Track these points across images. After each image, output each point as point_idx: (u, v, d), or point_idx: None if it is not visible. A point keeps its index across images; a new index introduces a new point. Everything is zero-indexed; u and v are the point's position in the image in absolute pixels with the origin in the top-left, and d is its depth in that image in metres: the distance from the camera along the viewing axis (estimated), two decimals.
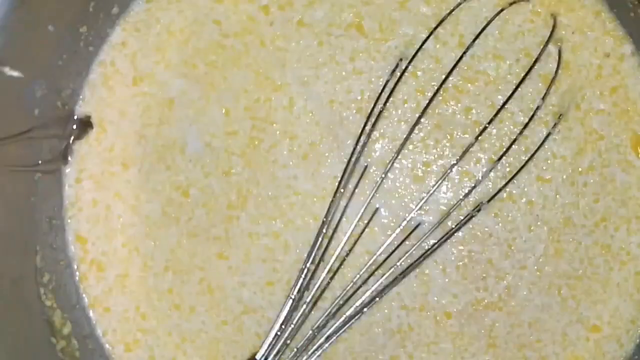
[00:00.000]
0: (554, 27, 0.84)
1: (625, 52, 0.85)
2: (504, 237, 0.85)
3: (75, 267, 0.88)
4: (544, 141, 0.83)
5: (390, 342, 0.85)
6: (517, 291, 0.85)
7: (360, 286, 0.84)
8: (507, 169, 0.84)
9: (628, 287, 0.85)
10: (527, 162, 0.83)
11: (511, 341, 0.85)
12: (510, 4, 0.85)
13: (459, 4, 0.85)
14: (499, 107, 0.83)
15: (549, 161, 0.84)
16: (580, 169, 0.84)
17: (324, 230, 0.84)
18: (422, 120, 0.84)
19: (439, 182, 0.84)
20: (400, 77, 0.84)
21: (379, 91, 0.84)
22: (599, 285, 0.85)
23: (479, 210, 0.84)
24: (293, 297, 0.83)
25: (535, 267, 0.84)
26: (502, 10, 0.84)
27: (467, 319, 0.85)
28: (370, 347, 0.85)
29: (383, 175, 0.84)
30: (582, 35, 0.85)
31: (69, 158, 0.87)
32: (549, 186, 0.84)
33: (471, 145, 0.84)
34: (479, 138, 0.84)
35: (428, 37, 0.84)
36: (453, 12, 0.85)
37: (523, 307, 0.85)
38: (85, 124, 0.87)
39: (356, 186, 0.85)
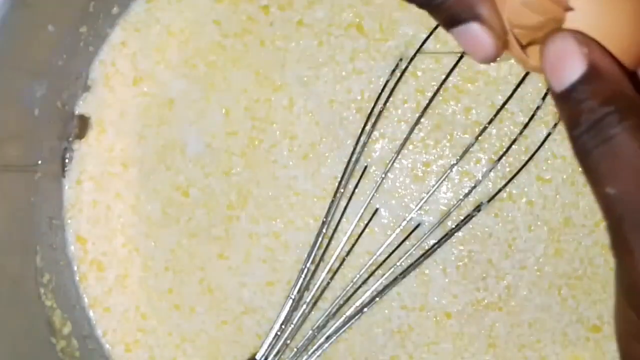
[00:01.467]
0: None
1: None
2: (504, 237, 0.85)
3: (75, 267, 0.88)
4: (544, 141, 0.83)
5: (390, 342, 0.85)
6: (517, 291, 0.85)
7: (360, 286, 0.84)
8: (507, 169, 0.84)
9: None
10: (527, 162, 0.83)
11: (511, 341, 0.85)
12: None
13: None
14: (499, 107, 0.83)
15: (549, 161, 0.84)
16: (580, 169, 0.84)
17: (324, 231, 0.84)
18: (422, 120, 0.84)
19: (439, 182, 0.84)
20: (400, 77, 0.84)
21: (379, 91, 0.84)
22: (599, 285, 0.84)
23: (479, 210, 0.84)
24: (293, 297, 0.83)
25: (535, 267, 0.84)
26: None
27: (467, 319, 0.85)
28: (371, 347, 0.85)
29: (383, 175, 0.84)
30: None
31: (69, 158, 0.87)
32: (549, 186, 0.84)
33: (471, 145, 0.84)
34: (479, 138, 0.84)
35: (428, 37, 0.84)
36: None
37: (523, 307, 0.85)
38: (85, 124, 0.87)
39: (356, 186, 0.85)
